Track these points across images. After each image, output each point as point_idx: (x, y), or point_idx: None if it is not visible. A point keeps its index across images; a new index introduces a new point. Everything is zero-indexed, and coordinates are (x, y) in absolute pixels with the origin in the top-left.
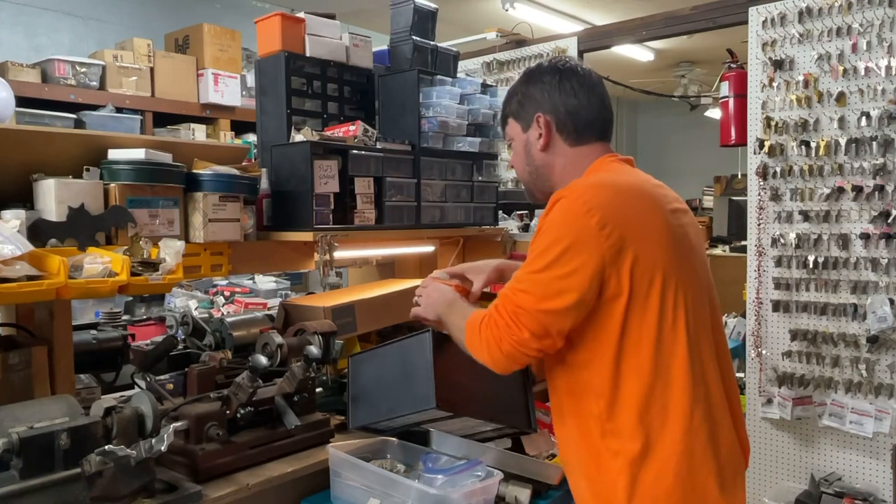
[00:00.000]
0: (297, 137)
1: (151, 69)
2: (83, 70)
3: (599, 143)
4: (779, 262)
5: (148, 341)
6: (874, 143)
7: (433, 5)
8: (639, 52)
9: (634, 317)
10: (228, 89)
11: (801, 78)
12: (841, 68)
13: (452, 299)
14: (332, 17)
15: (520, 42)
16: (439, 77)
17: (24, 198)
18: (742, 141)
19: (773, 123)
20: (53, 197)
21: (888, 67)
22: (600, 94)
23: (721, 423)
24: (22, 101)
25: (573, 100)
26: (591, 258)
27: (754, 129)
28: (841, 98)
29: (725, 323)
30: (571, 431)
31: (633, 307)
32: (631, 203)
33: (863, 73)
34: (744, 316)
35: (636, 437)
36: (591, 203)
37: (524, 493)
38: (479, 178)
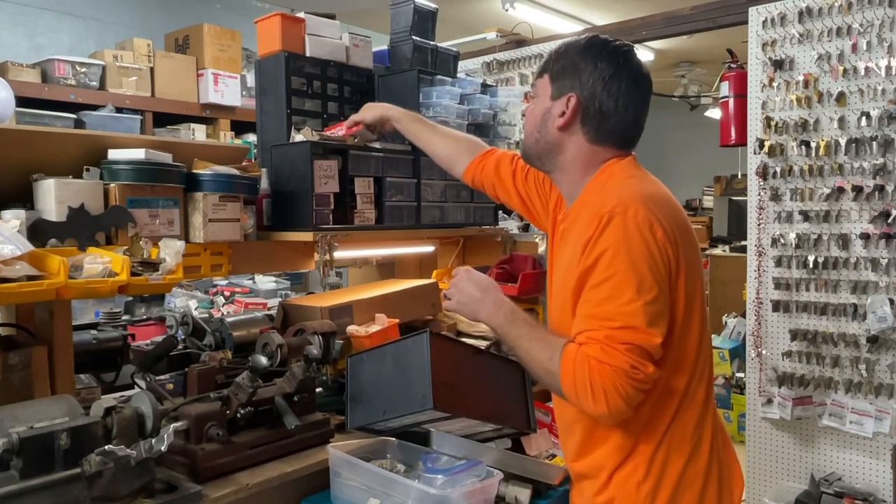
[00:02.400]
0: (297, 137)
1: (151, 69)
2: (83, 70)
3: (618, 149)
4: (779, 262)
5: (148, 341)
6: (874, 143)
7: (433, 5)
8: (639, 52)
9: (683, 325)
10: (228, 89)
11: (801, 78)
12: (841, 68)
13: (512, 309)
14: (332, 17)
15: (520, 42)
16: (439, 77)
17: (24, 198)
18: (742, 141)
19: (773, 123)
20: (53, 197)
21: (888, 67)
22: (639, 110)
23: (726, 437)
24: (22, 101)
25: (612, 102)
26: (666, 272)
27: (754, 129)
28: (841, 98)
29: (725, 323)
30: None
31: (683, 316)
32: (674, 213)
33: (863, 73)
34: (744, 316)
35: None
36: (650, 219)
37: (524, 493)
38: None
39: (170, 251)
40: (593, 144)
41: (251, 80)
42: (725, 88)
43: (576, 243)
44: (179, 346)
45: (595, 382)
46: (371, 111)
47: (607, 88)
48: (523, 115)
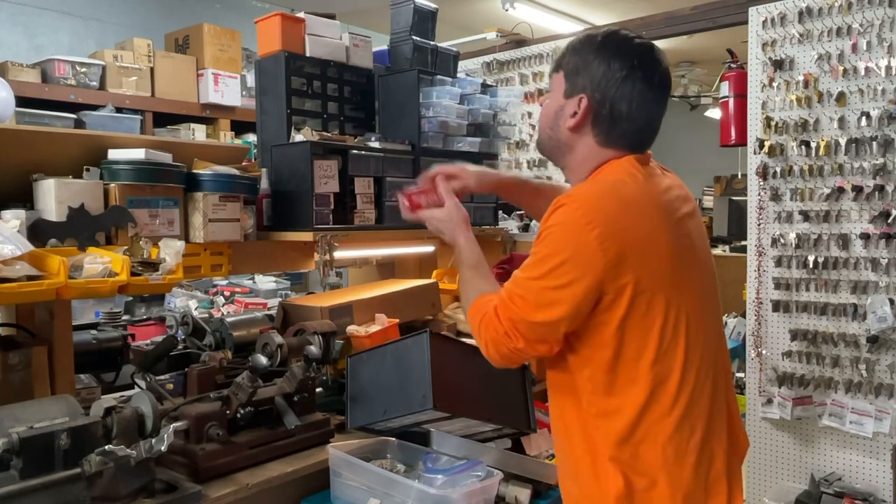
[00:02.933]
0: (297, 137)
1: (151, 69)
2: (83, 70)
3: (628, 151)
4: (779, 262)
5: (148, 341)
6: (874, 143)
7: (433, 5)
8: None
9: (632, 334)
10: (228, 89)
11: (801, 78)
12: (841, 68)
13: (476, 252)
14: (332, 17)
15: (520, 42)
16: (439, 77)
17: (24, 198)
18: (742, 141)
19: (773, 123)
20: (53, 197)
21: (888, 67)
22: (654, 110)
23: (713, 440)
24: (22, 101)
25: (625, 106)
26: (588, 273)
27: (754, 129)
28: (841, 98)
29: (725, 323)
30: (564, 433)
31: (631, 324)
32: (634, 217)
33: (863, 73)
34: (744, 316)
35: (627, 451)
36: (591, 215)
37: (524, 493)
38: None
39: (170, 251)
40: (603, 147)
41: (251, 80)
42: (725, 88)
43: None
44: (179, 346)
45: (482, 331)
46: (475, 179)
47: (620, 91)
48: (540, 105)
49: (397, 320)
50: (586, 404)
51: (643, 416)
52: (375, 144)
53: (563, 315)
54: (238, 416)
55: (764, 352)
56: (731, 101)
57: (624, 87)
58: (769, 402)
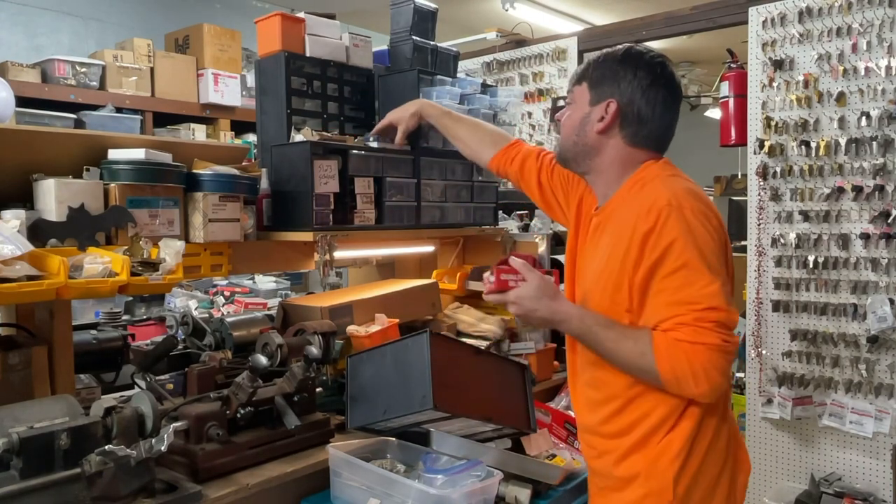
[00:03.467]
0: (297, 137)
1: (151, 69)
2: (83, 70)
3: (654, 152)
4: (779, 262)
5: (148, 341)
6: (874, 143)
7: (433, 5)
8: None
9: None
10: (228, 89)
11: (801, 78)
12: (841, 68)
13: (591, 313)
14: (332, 17)
15: (520, 42)
16: (439, 77)
17: (24, 198)
18: (742, 141)
19: (773, 123)
20: (53, 197)
21: (888, 67)
22: (673, 117)
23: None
24: (22, 101)
25: (651, 109)
26: (724, 259)
27: (754, 129)
28: (841, 98)
29: None
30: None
31: None
32: (712, 206)
33: (863, 73)
34: (744, 316)
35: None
36: (703, 209)
37: (524, 493)
38: (479, 179)
39: (170, 251)
40: (631, 147)
41: (251, 80)
42: (725, 88)
43: (620, 234)
44: (179, 346)
45: (695, 364)
46: (409, 112)
47: (645, 96)
48: (557, 121)
49: (397, 320)
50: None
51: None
52: (374, 144)
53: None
54: (238, 416)
55: (764, 352)
56: (731, 101)
57: (650, 92)
58: (769, 402)
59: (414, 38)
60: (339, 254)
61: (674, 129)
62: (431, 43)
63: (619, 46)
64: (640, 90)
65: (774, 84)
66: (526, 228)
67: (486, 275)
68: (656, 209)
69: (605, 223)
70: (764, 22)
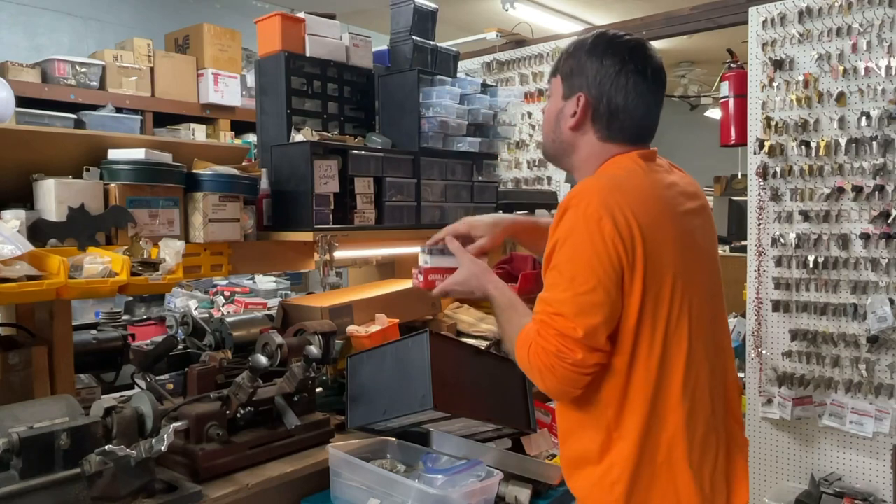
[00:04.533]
0: (297, 137)
1: (151, 69)
2: (83, 70)
3: (630, 145)
4: (779, 262)
5: (148, 341)
6: (874, 143)
7: (433, 5)
8: None
9: (646, 321)
10: (228, 89)
11: (801, 78)
12: (841, 68)
13: (506, 293)
14: (332, 17)
15: (520, 42)
16: (439, 77)
17: (24, 198)
18: (742, 141)
19: (773, 123)
20: (53, 197)
21: (888, 67)
22: (650, 102)
23: (710, 436)
24: (22, 101)
25: (621, 98)
26: (611, 265)
27: (754, 129)
28: (841, 98)
29: None
30: (578, 442)
31: (646, 311)
32: (639, 206)
33: (863, 73)
34: (744, 316)
35: (636, 443)
36: (600, 209)
37: (524, 493)
38: (479, 179)
39: (170, 251)
40: (605, 142)
41: (251, 80)
42: (725, 88)
43: None
44: (179, 346)
45: (534, 361)
46: (488, 237)
47: (615, 85)
48: (543, 112)
49: (397, 320)
50: (602, 409)
51: (652, 415)
52: (378, 141)
53: (605, 315)
54: (238, 416)
55: (764, 352)
56: (731, 101)
57: (618, 80)
58: (769, 402)
59: (414, 38)
60: (339, 254)
61: (653, 116)
62: (431, 43)
63: (591, 33)
64: (608, 80)
65: (774, 84)
66: None
67: (414, 271)
68: (563, 204)
69: None
70: (764, 22)
